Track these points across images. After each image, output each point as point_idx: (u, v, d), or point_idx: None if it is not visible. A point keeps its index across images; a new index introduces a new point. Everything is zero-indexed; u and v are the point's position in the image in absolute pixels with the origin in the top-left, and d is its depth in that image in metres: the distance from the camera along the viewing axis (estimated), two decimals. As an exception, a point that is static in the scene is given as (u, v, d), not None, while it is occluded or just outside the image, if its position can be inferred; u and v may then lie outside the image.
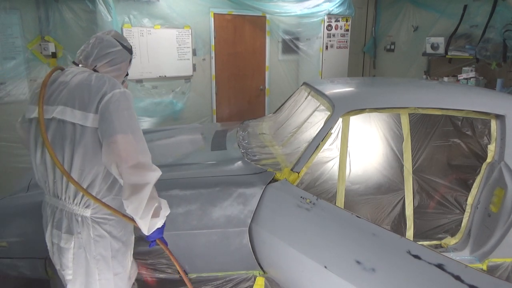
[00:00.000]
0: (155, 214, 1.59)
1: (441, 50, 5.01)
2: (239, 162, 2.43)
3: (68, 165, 1.55)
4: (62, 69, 1.72)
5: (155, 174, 1.56)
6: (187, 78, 5.06)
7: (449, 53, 4.91)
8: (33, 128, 1.63)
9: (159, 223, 1.63)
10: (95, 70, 1.69)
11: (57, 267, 1.70)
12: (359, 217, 1.85)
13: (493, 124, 2.28)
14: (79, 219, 1.60)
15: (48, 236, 1.68)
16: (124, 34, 4.40)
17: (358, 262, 1.72)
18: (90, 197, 1.55)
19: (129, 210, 1.52)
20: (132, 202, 1.50)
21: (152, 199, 1.56)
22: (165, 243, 1.77)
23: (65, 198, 1.61)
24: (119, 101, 1.54)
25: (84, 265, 1.64)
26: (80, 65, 1.72)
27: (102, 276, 1.66)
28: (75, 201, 1.59)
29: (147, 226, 1.59)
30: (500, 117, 2.26)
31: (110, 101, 1.52)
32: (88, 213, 1.60)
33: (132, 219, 1.62)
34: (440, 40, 4.99)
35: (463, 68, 4.67)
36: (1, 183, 3.84)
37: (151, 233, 1.63)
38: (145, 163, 1.53)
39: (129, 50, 1.82)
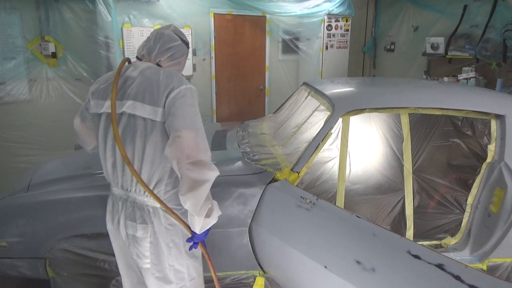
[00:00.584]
0: (207, 215, 1.60)
1: (441, 50, 5.01)
2: (239, 162, 2.43)
3: (139, 158, 1.59)
4: (129, 61, 1.75)
5: (214, 173, 1.57)
6: (187, 78, 5.06)
7: (449, 53, 4.91)
8: (102, 122, 1.66)
9: (211, 223, 1.63)
10: (158, 65, 1.73)
11: (134, 256, 1.71)
12: (359, 217, 1.85)
13: (493, 124, 2.28)
14: (150, 209, 1.65)
15: (122, 228, 1.70)
16: (124, 34, 4.40)
17: (358, 262, 1.72)
18: (150, 193, 1.58)
19: (187, 206, 1.53)
20: (190, 199, 1.51)
21: (208, 198, 1.57)
22: (204, 246, 1.75)
23: (135, 190, 1.65)
24: (185, 97, 1.58)
25: (159, 253, 1.67)
26: (143, 60, 1.75)
27: (176, 262, 1.71)
28: (145, 193, 1.63)
29: (200, 225, 1.59)
30: (500, 117, 2.26)
31: (177, 97, 1.56)
32: (158, 204, 1.63)
33: (181, 220, 1.64)
34: (440, 40, 4.99)
35: (463, 68, 4.67)
36: (1, 183, 3.84)
37: (200, 234, 1.63)
38: (206, 161, 1.55)
39: (187, 44, 1.83)
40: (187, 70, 4.99)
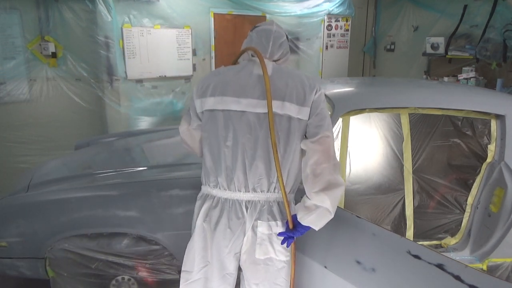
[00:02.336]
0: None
1: (441, 50, 5.01)
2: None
3: (287, 158, 1.61)
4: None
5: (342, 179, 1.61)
6: (187, 78, 5.06)
7: (449, 53, 4.91)
8: (222, 119, 1.61)
9: (320, 225, 1.62)
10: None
11: (260, 256, 1.66)
12: (359, 217, 1.85)
13: (493, 124, 2.28)
14: (281, 205, 1.66)
15: (250, 231, 1.65)
16: (124, 34, 4.40)
17: (358, 262, 1.72)
18: (282, 187, 1.58)
19: (326, 204, 1.54)
20: (328, 199, 1.53)
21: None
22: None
23: (273, 190, 1.64)
24: (324, 100, 1.65)
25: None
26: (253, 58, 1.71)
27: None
28: (275, 190, 1.64)
29: (322, 223, 1.60)
30: (500, 117, 2.26)
31: (321, 98, 1.63)
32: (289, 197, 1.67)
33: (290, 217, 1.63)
34: (440, 40, 4.99)
35: (463, 68, 4.67)
36: (1, 183, 3.84)
37: (302, 230, 1.63)
38: (340, 166, 1.63)
39: (288, 39, 1.81)
40: (187, 70, 4.99)
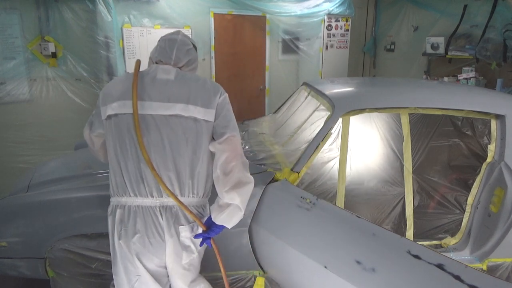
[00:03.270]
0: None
1: (441, 50, 5.01)
2: (239, 162, 2.43)
3: (195, 158, 1.65)
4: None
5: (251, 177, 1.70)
6: (187, 78, 5.06)
7: (449, 53, 4.90)
8: (126, 124, 1.61)
9: (233, 222, 1.69)
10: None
11: (182, 260, 1.72)
12: (359, 217, 1.85)
13: (493, 124, 2.28)
14: (193, 209, 1.71)
15: (167, 235, 1.66)
16: (124, 34, 4.40)
17: (358, 262, 1.72)
18: (170, 194, 1.60)
19: (236, 201, 1.62)
20: (238, 196, 1.61)
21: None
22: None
23: (187, 194, 1.67)
24: (229, 103, 1.73)
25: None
26: (166, 66, 1.74)
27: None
28: (191, 195, 1.69)
29: (234, 221, 1.68)
30: (500, 117, 2.26)
31: (225, 101, 1.71)
32: (202, 202, 1.77)
33: (196, 217, 1.66)
34: (440, 40, 4.99)
35: (463, 68, 4.67)
36: (1, 183, 3.84)
37: (217, 229, 1.68)
38: (248, 164, 1.70)
39: (196, 49, 1.88)
40: (187, 70, 4.99)
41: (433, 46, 5.07)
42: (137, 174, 1.62)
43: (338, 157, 2.24)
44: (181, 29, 4.78)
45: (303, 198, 2.01)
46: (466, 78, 4.57)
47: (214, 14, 5.04)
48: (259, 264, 2.18)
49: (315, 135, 2.21)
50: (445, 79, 4.88)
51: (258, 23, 5.44)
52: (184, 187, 1.65)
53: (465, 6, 4.76)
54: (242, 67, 5.51)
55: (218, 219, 1.66)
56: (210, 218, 1.71)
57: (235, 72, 5.47)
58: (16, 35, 3.93)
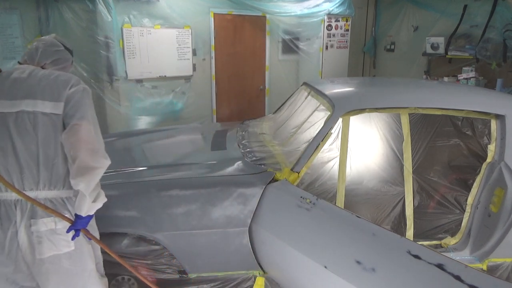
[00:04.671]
0: (94, 200, 1.69)
1: (441, 50, 5.01)
2: (239, 162, 2.43)
3: (45, 153, 1.65)
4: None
5: (107, 161, 1.71)
6: (187, 78, 5.06)
7: (449, 53, 4.91)
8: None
9: (96, 207, 1.71)
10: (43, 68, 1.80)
11: (43, 255, 1.68)
12: (359, 217, 1.85)
13: (493, 124, 2.28)
14: (65, 200, 1.72)
15: (22, 233, 1.65)
16: (124, 34, 4.40)
17: (358, 262, 1.72)
18: (17, 192, 1.61)
19: (80, 187, 1.62)
20: (83, 181, 1.61)
21: (97, 185, 1.70)
22: (88, 232, 1.77)
23: (43, 188, 1.67)
24: (84, 95, 1.73)
25: (79, 238, 1.76)
26: (25, 65, 1.79)
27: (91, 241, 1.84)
28: (56, 187, 1.69)
29: (87, 208, 1.66)
30: (500, 117, 2.26)
31: (76, 91, 1.71)
32: (69, 194, 1.73)
33: (57, 212, 1.65)
34: (440, 40, 4.99)
35: (463, 68, 4.67)
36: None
37: (82, 219, 1.67)
38: (100, 150, 1.70)
39: (70, 51, 1.96)
40: (187, 70, 5.00)
41: (433, 46, 5.07)
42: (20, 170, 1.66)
43: (338, 157, 2.24)
44: (181, 29, 4.78)
45: (303, 198, 2.01)
46: (466, 78, 4.57)
47: (214, 14, 5.04)
48: (259, 264, 2.18)
49: (315, 135, 2.21)
50: (445, 79, 4.88)
51: (258, 23, 5.44)
52: (38, 180, 1.66)
53: (465, 6, 4.77)
54: (242, 67, 5.51)
55: (76, 209, 1.68)
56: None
57: (235, 72, 5.47)
58: (16, 35, 3.94)
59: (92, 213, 1.71)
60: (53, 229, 1.66)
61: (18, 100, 1.65)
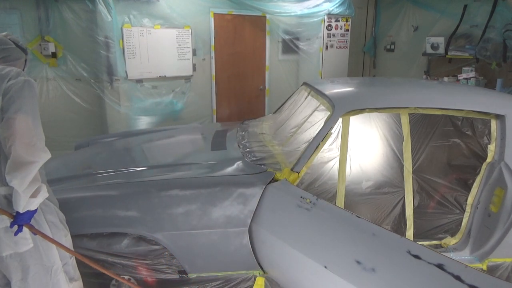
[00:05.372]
0: (33, 195, 1.65)
1: (441, 50, 5.01)
2: (239, 162, 2.43)
3: None
4: None
5: (45, 155, 1.67)
6: (187, 78, 5.06)
7: (449, 53, 4.91)
8: None
9: (35, 203, 1.67)
10: None
11: (5, 253, 1.69)
12: (359, 217, 1.85)
13: (493, 124, 2.28)
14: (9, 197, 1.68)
15: None
16: (124, 34, 4.40)
17: (358, 262, 1.72)
18: None
19: (13, 183, 1.58)
20: (17, 177, 1.57)
21: (36, 179, 1.65)
22: (33, 227, 1.75)
23: None
24: (23, 87, 1.68)
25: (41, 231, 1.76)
26: None
27: (55, 239, 1.80)
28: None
29: (24, 203, 1.62)
30: (500, 117, 2.26)
31: (14, 84, 1.66)
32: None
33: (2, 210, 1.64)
34: (440, 40, 4.99)
35: (463, 68, 4.67)
36: None
37: (22, 215, 1.64)
38: (38, 144, 1.65)
39: (23, 50, 1.95)
40: (187, 70, 5.00)
41: (433, 46, 5.07)
42: None
43: (338, 157, 2.24)
44: (181, 29, 4.78)
45: (303, 198, 2.01)
46: (466, 78, 4.57)
47: (214, 14, 5.04)
48: (259, 264, 2.18)
49: (315, 135, 2.21)
50: (445, 79, 4.88)
51: (258, 23, 5.44)
52: None
53: (465, 6, 4.77)
54: (242, 67, 5.51)
55: (13, 204, 1.65)
56: None
57: (235, 72, 5.47)
58: (16, 35, 3.93)
59: (33, 208, 1.67)
60: (7, 227, 1.65)
61: None
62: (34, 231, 1.73)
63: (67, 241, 1.88)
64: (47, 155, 1.68)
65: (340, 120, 2.22)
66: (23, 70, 1.96)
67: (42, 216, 1.76)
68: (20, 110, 1.64)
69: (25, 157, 1.60)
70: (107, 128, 4.57)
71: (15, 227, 1.65)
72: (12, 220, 1.65)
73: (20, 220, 1.65)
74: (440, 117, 2.64)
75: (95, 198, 2.14)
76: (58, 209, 1.89)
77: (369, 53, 6.54)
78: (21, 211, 1.64)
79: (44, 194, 1.71)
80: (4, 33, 1.93)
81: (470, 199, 2.33)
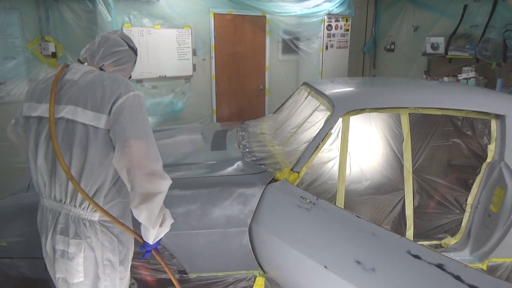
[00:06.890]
0: (160, 224, 1.57)
1: (441, 50, 5.01)
2: (239, 162, 2.43)
3: (78, 167, 1.48)
4: (67, 66, 1.63)
5: (167, 182, 1.53)
6: (187, 78, 5.06)
7: (449, 53, 4.91)
8: (34, 127, 1.54)
9: (163, 232, 1.61)
10: (101, 69, 1.64)
11: (58, 275, 1.58)
12: (359, 217, 1.86)
13: (493, 124, 2.28)
14: (87, 223, 1.52)
15: (49, 242, 1.58)
16: (124, 34, 4.40)
17: (358, 262, 1.72)
18: (93, 204, 1.49)
19: (141, 219, 1.50)
20: (143, 211, 1.47)
21: (161, 209, 1.55)
22: (157, 251, 1.73)
23: (69, 202, 1.52)
24: (133, 105, 1.49)
25: (93, 270, 1.57)
26: (85, 64, 1.66)
27: (109, 281, 1.61)
28: (82, 206, 1.52)
29: (154, 236, 1.57)
30: (500, 117, 2.26)
31: (125, 104, 1.47)
32: (96, 217, 1.53)
33: (129, 229, 1.60)
34: (440, 40, 4.99)
35: (463, 68, 4.67)
36: (1, 183, 3.84)
37: (146, 243, 1.61)
38: (158, 171, 1.50)
39: (134, 51, 1.78)
40: (187, 70, 5.00)
41: (433, 46, 5.07)
42: (42, 175, 1.57)
43: (338, 157, 2.24)
44: (181, 29, 4.78)
45: (303, 198, 2.01)
46: (466, 78, 4.57)
47: (214, 14, 5.04)
48: (259, 264, 2.18)
49: (315, 135, 2.21)
50: (445, 79, 4.88)
51: (258, 23, 5.44)
52: (77, 195, 1.51)
53: (465, 6, 4.77)
54: (242, 67, 5.51)
55: (142, 235, 1.60)
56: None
57: (235, 72, 5.47)
58: (16, 35, 3.94)
59: (161, 237, 1.61)
60: (65, 251, 1.53)
61: (62, 105, 1.48)
62: (158, 257, 1.70)
63: (121, 284, 1.68)
64: (168, 182, 1.53)
65: (340, 120, 2.22)
66: (131, 72, 1.82)
67: (100, 253, 1.57)
68: (132, 136, 1.46)
69: (149, 189, 1.46)
70: (107, 128, 4.57)
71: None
72: (141, 244, 1.62)
73: (150, 247, 1.62)
74: (440, 117, 2.64)
75: (95, 198, 2.13)
76: (123, 243, 1.65)
77: (369, 53, 6.54)
78: (151, 243, 1.58)
79: (170, 220, 1.61)
80: (118, 32, 1.74)
81: (470, 199, 2.34)
